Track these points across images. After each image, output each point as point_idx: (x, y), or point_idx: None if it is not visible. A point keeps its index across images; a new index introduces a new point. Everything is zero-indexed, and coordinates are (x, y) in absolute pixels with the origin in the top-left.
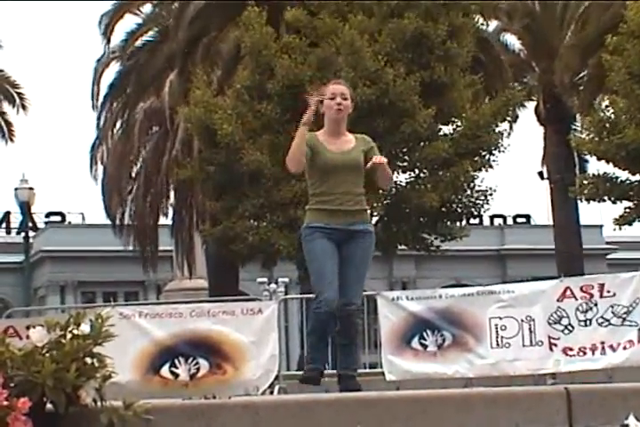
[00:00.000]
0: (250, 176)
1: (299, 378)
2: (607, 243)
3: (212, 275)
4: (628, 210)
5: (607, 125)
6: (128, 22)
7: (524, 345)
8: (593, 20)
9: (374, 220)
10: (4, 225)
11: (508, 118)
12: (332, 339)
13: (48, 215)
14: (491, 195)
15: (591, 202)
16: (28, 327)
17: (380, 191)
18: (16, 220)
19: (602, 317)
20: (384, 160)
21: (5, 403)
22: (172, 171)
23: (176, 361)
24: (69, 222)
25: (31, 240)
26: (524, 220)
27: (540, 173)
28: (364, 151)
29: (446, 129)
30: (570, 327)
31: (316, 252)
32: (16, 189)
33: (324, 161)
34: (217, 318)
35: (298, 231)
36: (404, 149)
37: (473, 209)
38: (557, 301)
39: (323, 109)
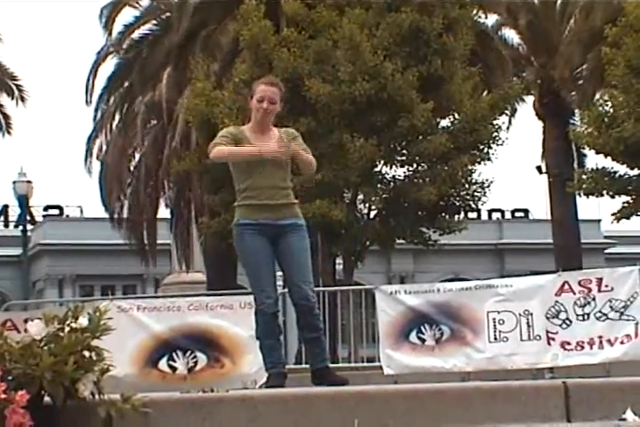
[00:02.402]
0: None
1: (265, 384)
2: (605, 237)
3: (210, 268)
4: (626, 204)
5: (606, 120)
6: (128, 15)
7: (521, 339)
8: (593, 13)
9: (372, 214)
10: (2, 218)
11: (506, 112)
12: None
13: (46, 209)
14: (488, 187)
15: (589, 196)
16: (26, 321)
17: (379, 185)
18: (14, 213)
19: (600, 311)
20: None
21: (3, 396)
22: (171, 164)
23: (174, 355)
24: (67, 216)
25: (29, 233)
26: (522, 214)
27: (539, 168)
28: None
29: (444, 123)
30: (568, 322)
31: (249, 251)
32: (14, 182)
33: None
34: (215, 311)
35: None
36: (403, 144)
37: (471, 202)
38: (555, 295)
39: (250, 106)
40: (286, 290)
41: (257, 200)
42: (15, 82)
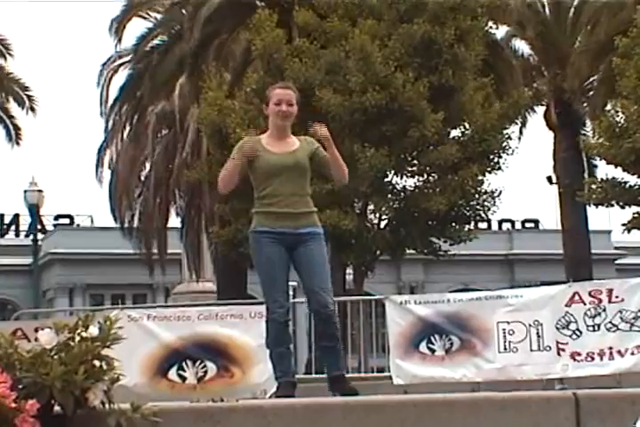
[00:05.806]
0: None
1: (275, 394)
2: (616, 248)
3: (220, 278)
4: (636, 215)
5: (617, 130)
6: (138, 25)
7: (531, 350)
8: (603, 24)
9: (383, 224)
10: (13, 227)
11: (517, 121)
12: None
13: (57, 218)
14: (498, 196)
15: (600, 207)
16: (36, 329)
17: (389, 195)
18: (25, 222)
19: (610, 322)
20: (326, 133)
21: (14, 405)
22: (182, 173)
23: (184, 364)
24: (78, 225)
25: (40, 243)
26: (532, 224)
27: (549, 178)
28: (310, 152)
29: (455, 133)
30: (578, 332)
31: (265, 260)
32: (25, 191)
33: (268, 162)
34: (225, 321)
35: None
36: (413, 154)
37: (481, 212)
38: (566, 306)
39: (267, 112)
40: (296, 300)
41: (277, 208)
42: (26, 92)
